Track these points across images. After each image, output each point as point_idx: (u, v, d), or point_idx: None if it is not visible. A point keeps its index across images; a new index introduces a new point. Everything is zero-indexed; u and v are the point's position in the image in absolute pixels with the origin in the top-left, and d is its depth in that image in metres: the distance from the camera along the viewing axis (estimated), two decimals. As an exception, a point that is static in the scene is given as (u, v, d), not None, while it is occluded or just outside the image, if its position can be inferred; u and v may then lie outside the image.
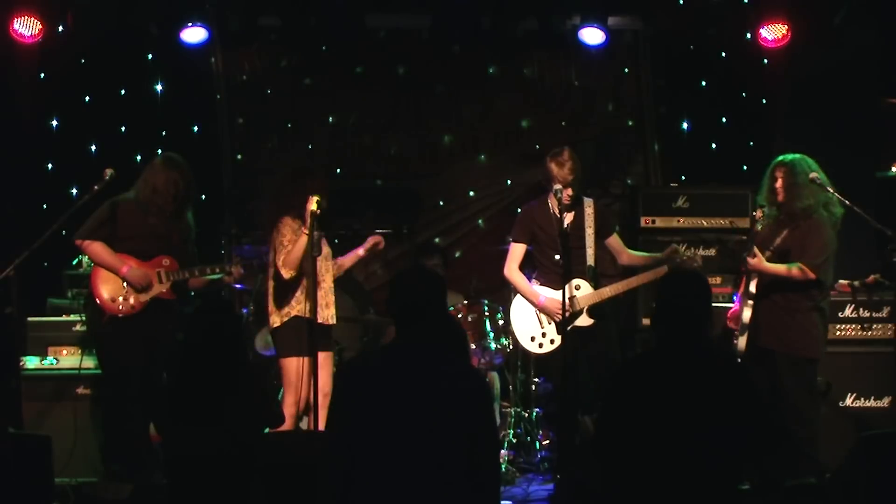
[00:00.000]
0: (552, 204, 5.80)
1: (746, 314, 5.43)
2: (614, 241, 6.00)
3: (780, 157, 5.59)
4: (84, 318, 5.95)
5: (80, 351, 6.00)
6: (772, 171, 5.57)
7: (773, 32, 7.00)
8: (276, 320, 5.62)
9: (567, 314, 5.47)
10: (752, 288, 5.44)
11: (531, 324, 5.90)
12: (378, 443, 3.33)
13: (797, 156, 5.55)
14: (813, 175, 5.45)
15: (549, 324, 5.84)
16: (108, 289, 5.66)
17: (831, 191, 5.47)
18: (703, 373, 3.62)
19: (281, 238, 5.57)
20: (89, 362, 5.93)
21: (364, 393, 3.42)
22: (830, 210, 5.46)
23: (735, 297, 5.65)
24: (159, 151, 6.27)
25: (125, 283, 5.66)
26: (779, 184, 5.52)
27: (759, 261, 5.37)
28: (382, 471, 3.32)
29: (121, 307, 5.65)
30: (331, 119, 8.16)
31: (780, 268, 5.39)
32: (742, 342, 5.46)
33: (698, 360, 3.64)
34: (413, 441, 3.32)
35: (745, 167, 7.56)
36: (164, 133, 7.62)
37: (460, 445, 3.34)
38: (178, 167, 5.80)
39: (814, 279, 5.38)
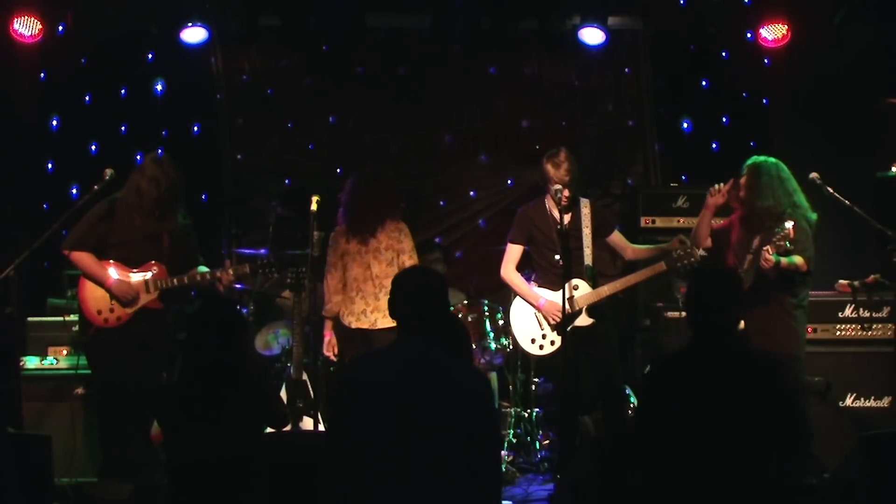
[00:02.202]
0: (550, 205, 5.80)
1: None
2: (617, 237, 5.99)
3: (751, 159, 5.62)
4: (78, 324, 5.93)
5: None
6: (742, 172, 5.62)
7: (773, 32, 7.00)
8: None
9: (566, 314, 5.47)
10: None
11: (531, 325, 5.89)
12: (379, 442, 3.32)
13: (768, 158, 5.61)
14: (813, 175, 5.47)
15: (549, 325, 5.83)
16: (94, 300, 5.57)
17: (796, 192, 5.48)
18: (738, 369, 3.62)
19: (412, 244, 5.87)
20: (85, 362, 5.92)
21: (365, 392, 3.42)
22: (799, 212, 5.47)
23: None
24: (160, 152, 6.26)
25: (111, 297, 5.58)
26: (743, 181, 5.59)
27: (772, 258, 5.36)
28: (383, 470, 3.31)
29: (107, 319, 5.57)
30: (331, 119, 8.16)
31: (788, 260, 5.39)
32: None
33: (732, 357, 3.65)
34: (414, 440, 3.32)
35: (745, 167, 7.57)
36: (164, 133, 7.62)
37: (462, 445, 3.34)
38: (162, 165, 5.64)
39: (805, 273, 5.41)
